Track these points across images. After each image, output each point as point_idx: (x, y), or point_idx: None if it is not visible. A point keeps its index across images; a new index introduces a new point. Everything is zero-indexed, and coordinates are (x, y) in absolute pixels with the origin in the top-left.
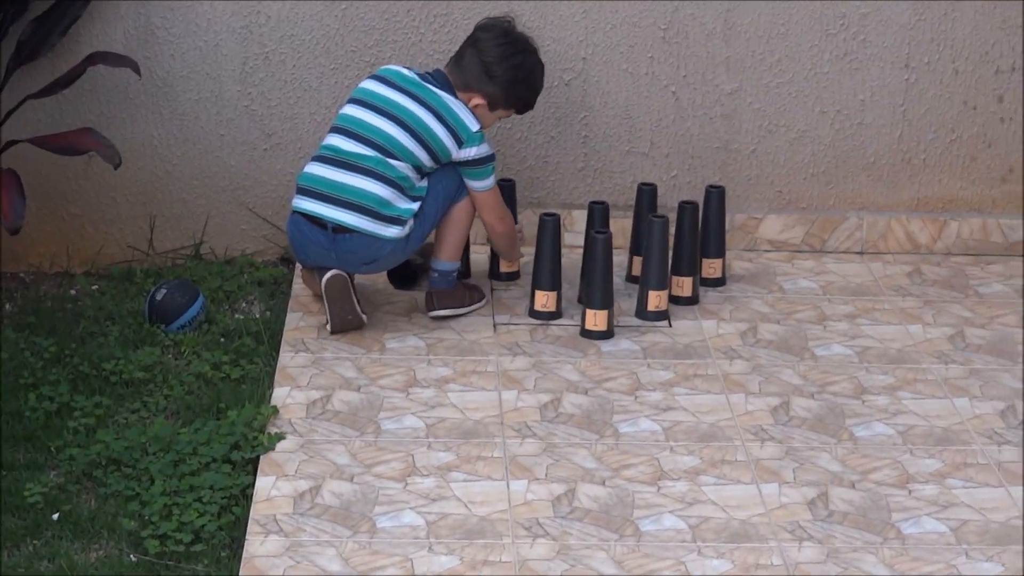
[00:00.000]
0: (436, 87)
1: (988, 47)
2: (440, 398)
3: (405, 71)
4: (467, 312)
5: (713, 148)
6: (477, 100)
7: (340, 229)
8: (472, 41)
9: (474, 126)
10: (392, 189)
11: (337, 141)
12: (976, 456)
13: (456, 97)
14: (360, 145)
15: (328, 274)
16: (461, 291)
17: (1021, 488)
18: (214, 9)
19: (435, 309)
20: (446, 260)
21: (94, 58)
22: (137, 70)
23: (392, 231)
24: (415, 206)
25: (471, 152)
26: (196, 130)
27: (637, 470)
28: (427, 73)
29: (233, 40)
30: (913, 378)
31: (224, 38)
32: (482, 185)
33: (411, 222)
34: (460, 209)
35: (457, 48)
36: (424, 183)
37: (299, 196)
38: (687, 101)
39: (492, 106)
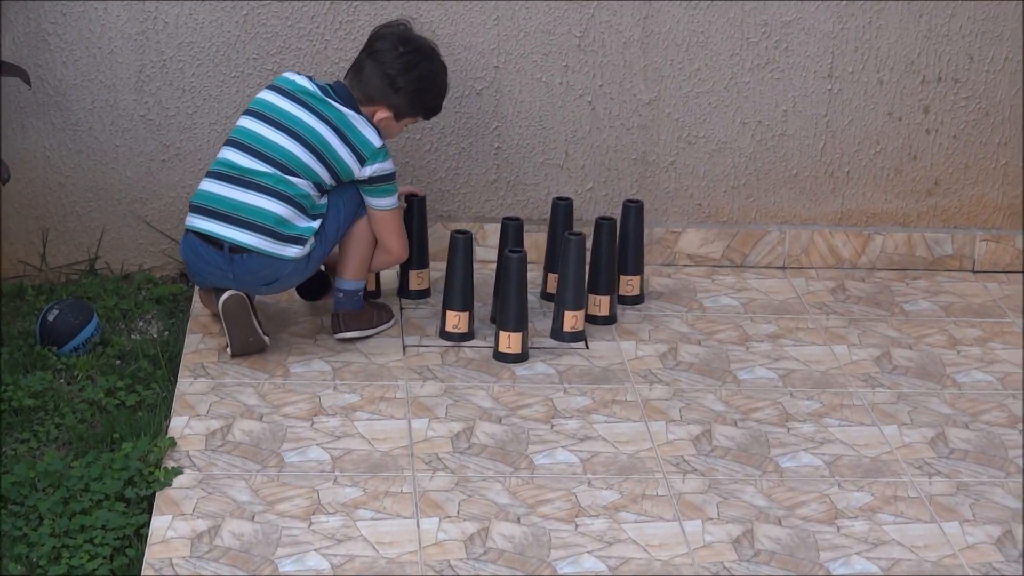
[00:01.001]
0: (338, 102)
1: (914, 56)
2: (347, 427)
3: (305, 82)
4: (375, 333)
5: (630, 160)
6: (383, 113)
7: (237, 249)
8: (370, 52)
9: (377, 143)
10: (291, 207)
11: (233, 156)
12: (907, 489)
13: (358, 111)
14: (257, 161)
15: (225, 295)
16: (369, 311)
17: (956, 523)
18: (108, 14)
19: (341, 331)
20: (351, 279)
21: None
22: (27, 79)
23: (292, 251)
24: (315, 224)
25: (373, 170)
26: (90, 141)
27: (554, 506)
28: (328, 85)
29: (129, 47)
30: (839, 403)
31: (119, 45)
32: (384, 203)
33: (311, 241)
34: (364, 225)
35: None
36: (324, 200)
37: (193, 215)
38: (603, 111)
39: (399, 116)
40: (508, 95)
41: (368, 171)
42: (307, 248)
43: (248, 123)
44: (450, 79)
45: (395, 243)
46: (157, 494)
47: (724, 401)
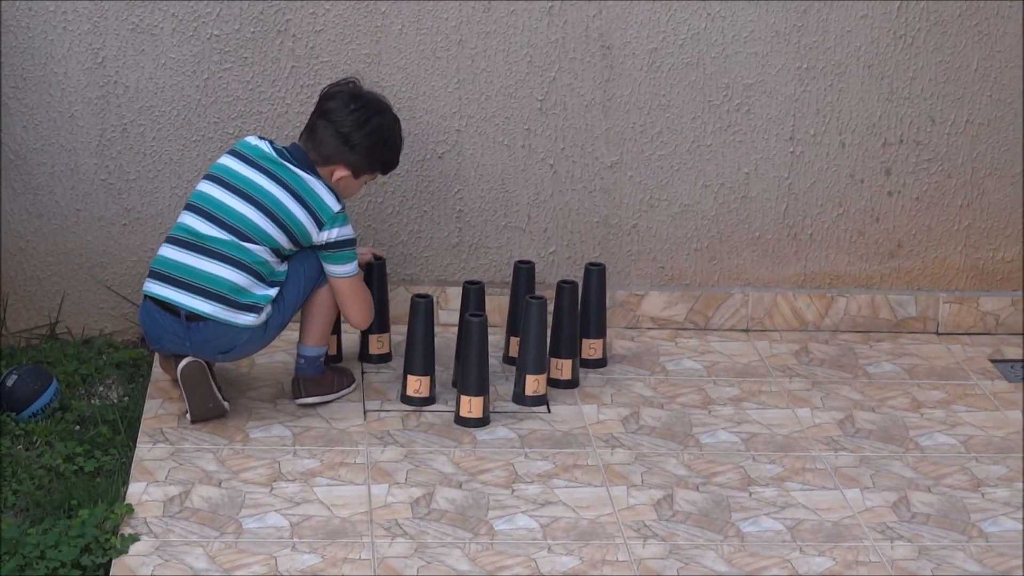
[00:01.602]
0: (295, 165)
1: (875, 119)
2: (306, 493)
3: (264, 146)
4: (336, 398)
5: (593, 223)
6: (340, 172)
7: (194, 317)
8: (321, 112)
9: (335, 207)
10: (247, 275)
11: (191, 221)
12: (868, 553)
13: (315, 175)
14: (214, 227)
15: (184, 361)
16: (330, 377)
17: None
18: (68, 79)
19: (302, 396)
20: (312, 345)
21: None
22: None
23: (247, 319)
24: (273, 292)
25: (332, 234)
26: (51, 205)
27: (513, 572)
28: (285, 148)
29: (89, 111)
30: (801, 467)
31: (79, 109)
32: (342, 270)
33: (268, 308)
34: (325, 292)
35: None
36: (284, 267)
37: (151, 280)
38: (565, 174)
39: (357, 174)
40: (470, 158)
41: (326, 236)
42: (263, 316)
43: (207, 188)
44: (411, 142)
45: (354, 311)
46: (114, 561)
47: (686, 465)
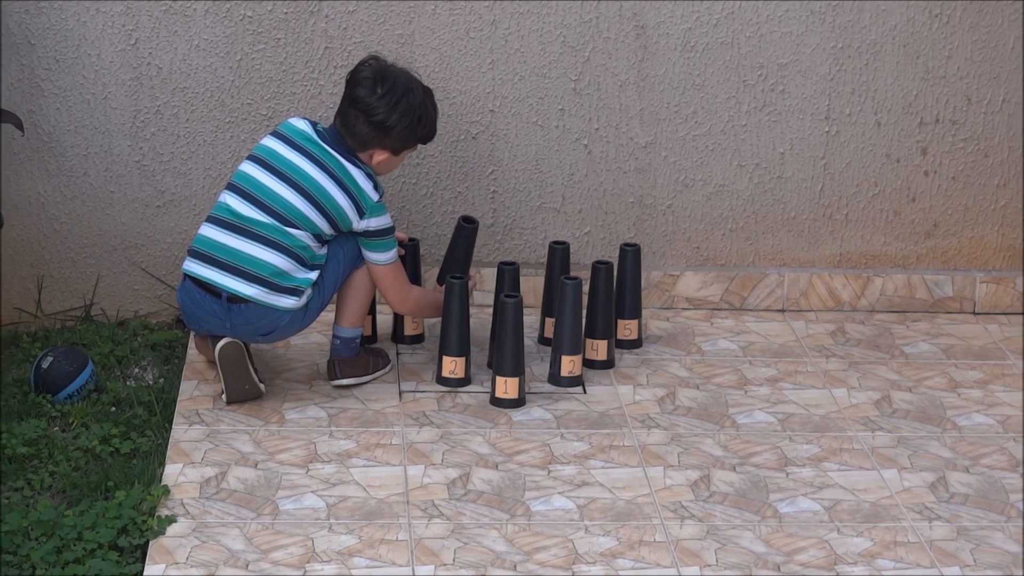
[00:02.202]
0: (336, 151)
1: (911, 98)
2: (342, 474)
3: (307, 128)
4: (371, 379)
5: (627, 203)
6: (380, 156)
7: (235, 299)
8: (351, 101)
9: (374, 197)
10: (289, 259)
11: (233, 202)
12: (907, 534)
13: (354, 160)
14: (256, 210)
15: (222, 342)
16: (365, 358)
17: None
18: (102, 60)
19: (338, 378)
20: (348, 326)
21: None
22: (20, 125)
23: (288, 301)
24: (314, 275)
25: (372, 223)
26: (85, 186)
27: (550, 553)
28: (326, 131)
29: (123, 92)
30: (839, 447)
31: (113, 91)
32: (382, 258)
33: (309, 291)
34: (362, 273)
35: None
36: (324, 251)
37: (191, 260)
38: (600, 155)
39: (396, 152)
40: (504, 139)
41: (365, 224)
42: (304, 299)
43: (250, 169)
44: (445, 123)
45: (394, 297)
46: (151, 543)
47: (722, 446)
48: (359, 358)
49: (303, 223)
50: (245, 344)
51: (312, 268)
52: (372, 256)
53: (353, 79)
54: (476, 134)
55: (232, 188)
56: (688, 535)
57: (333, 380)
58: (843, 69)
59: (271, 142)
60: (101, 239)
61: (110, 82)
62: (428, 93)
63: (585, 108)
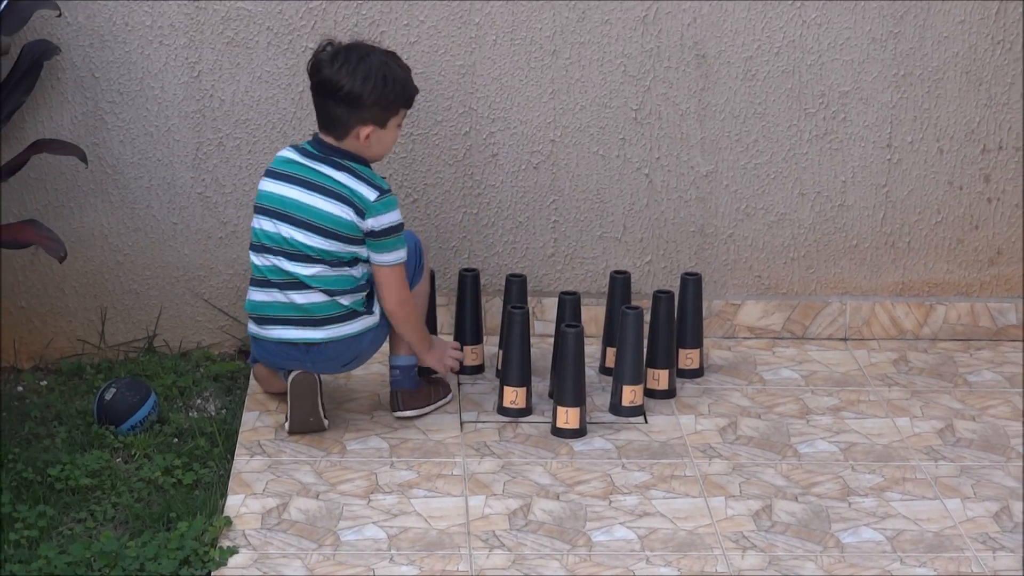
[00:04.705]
0: (319, 162)
1: (973, 125)
2: (403, 505)
3: (290, 154)
4: (433, 410)
5: (689, 232)
6: (365, 131)
7: (312, 343)
8: (317, 90)
9: (371, 196)
10: (340, 293)
11: (262, 262)
12: (970, 564)
13: (338, 164)
14: (289, 262)
15: (296, 372)
16: (426, 389)
17: None
18: (165, 93)
19: (400, 410)
20: (404, 355)
21: (39, 145)
22: (83, 158)
23: (355, 327)
24: (363, 293)
25: (375, 223)
26: (148, 218)
27: None
28: (308, 144)
29: (185, 125)
30: (901, 477)
31: (176, 123)
32: (388, 259)
33: (375, 306)
34: (414, 294)
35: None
36: (364, 268)
37: (257, 325)
38: (661, 184)
39: (381, 123)
40: (565, 168)
41: (370, 223)
42: (376, 314)
43: (263, 224)
44: (506, 153)
45: (395, 298)
46: (212, 574)
47: (784, 475)
48: (420, 390)
49: (327, 256)
50: (318, 376)
51: (360, 289)
52: (377, 257)
53: (311, 70)
54: (537, 164)
55: (256, 249)
56: (750, 566)
57: (396, 412)
58: (905, 97)
59: (268, 184)
60: (164, 271)
61: (173, 114)
62: (390, 54)
63: (646, 137)
